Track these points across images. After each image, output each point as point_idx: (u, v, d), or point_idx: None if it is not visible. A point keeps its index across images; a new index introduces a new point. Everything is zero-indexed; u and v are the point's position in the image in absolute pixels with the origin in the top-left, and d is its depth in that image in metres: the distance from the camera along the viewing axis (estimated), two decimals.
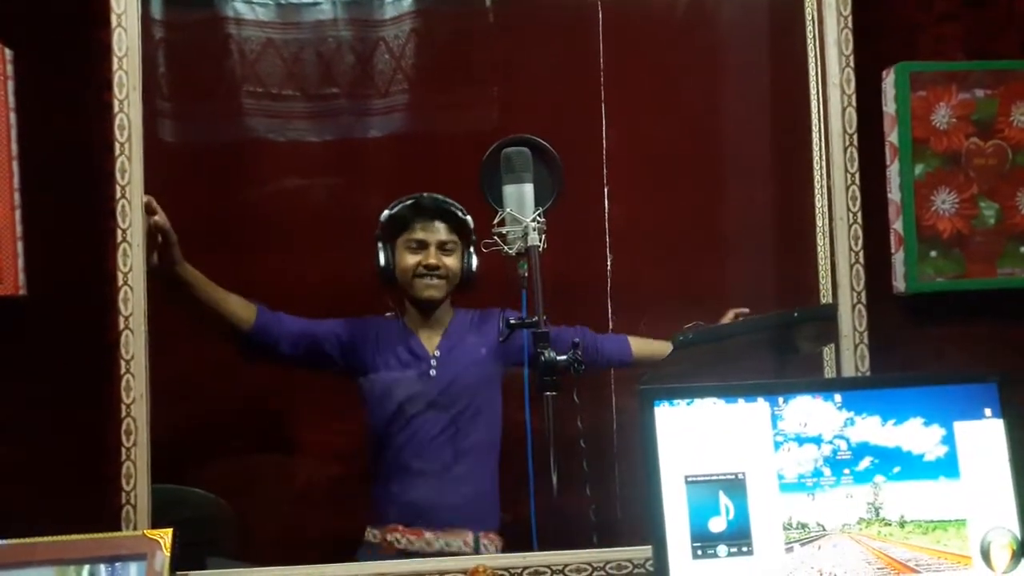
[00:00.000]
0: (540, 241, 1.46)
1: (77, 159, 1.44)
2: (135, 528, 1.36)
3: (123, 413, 1.39)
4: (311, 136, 1.88)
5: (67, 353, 1.42)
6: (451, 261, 1.66)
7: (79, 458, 1.41)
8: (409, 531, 1.59)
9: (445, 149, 1.86)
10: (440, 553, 1.56)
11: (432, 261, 1.64)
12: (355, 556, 1.61)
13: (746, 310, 1.68)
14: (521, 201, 1.48)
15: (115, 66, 1.43)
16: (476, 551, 1.59)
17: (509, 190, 1.49)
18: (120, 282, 1.41)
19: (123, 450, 1.39)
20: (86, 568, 1.28)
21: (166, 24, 1.70)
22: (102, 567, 1.28)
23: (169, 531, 1.31)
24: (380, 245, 1.67)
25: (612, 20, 1.80)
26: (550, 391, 1.40)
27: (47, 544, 1.29)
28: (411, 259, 1.66)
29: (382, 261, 1.67)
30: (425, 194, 1.69)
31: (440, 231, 1.66)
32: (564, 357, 1.40)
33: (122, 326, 1.41)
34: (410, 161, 1.89)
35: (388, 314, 1.72)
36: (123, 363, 1.40)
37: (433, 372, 1.64)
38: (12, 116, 1.39)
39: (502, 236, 1.48)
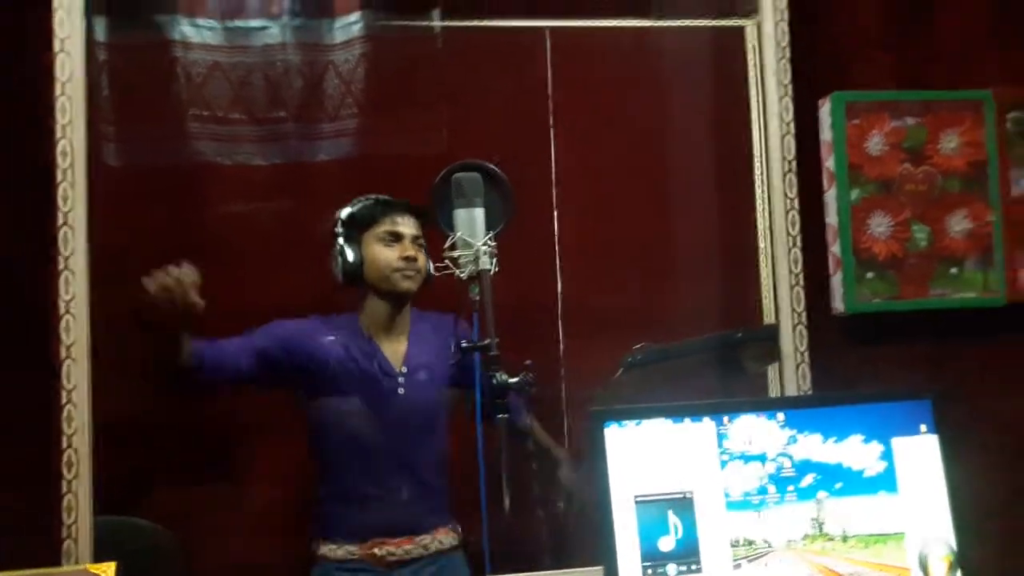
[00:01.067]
0: (491, 265, 1.48)
1: (18, 185, 1.41)
2: (77, 562, 1.33)
3: (64, 444, 1.36)
4: (259, 159, 1.87)
5: (6, 382, 1.39)
6: (421, 256, 1.67)
7: (18, 490, 1.37)
8: (396, 541, 1.60)
9: (395, 173, 1.87)
10: (434, 553, 1.61)
11: (411, 253, 1.64)
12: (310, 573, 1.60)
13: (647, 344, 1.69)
14: (472, 225, 1.48)
15: (58, 91, 1.41)
16: (460, 544, 1.64)
17: (460, 214, 1.50)
18: (62, 310, 1.38)
19: (64, 482, 1.35)
20: None
21: (110, 47, 1.68)
22: None
23: (112, 565, 1.28)
24: (342, 243, 1.65)
25: (560, 47, 1.83)
26: (502, 414, 1.41)
27: None
28: (388, 252, 1.65)
29: (351, 257, 1.64)
30: (383, 195, 1.70)
31: (411, 225, 1.67)
32: (516, 379, 1.41)
33: (64, 355, 1.38)
34: (359, 184, 1.88)
35: (339, 318, 1.69)
36: (65, 393, 1.37)
37: (401, 391, 1.64)
38: None
39: (454, 260, 1.49)
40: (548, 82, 1.84)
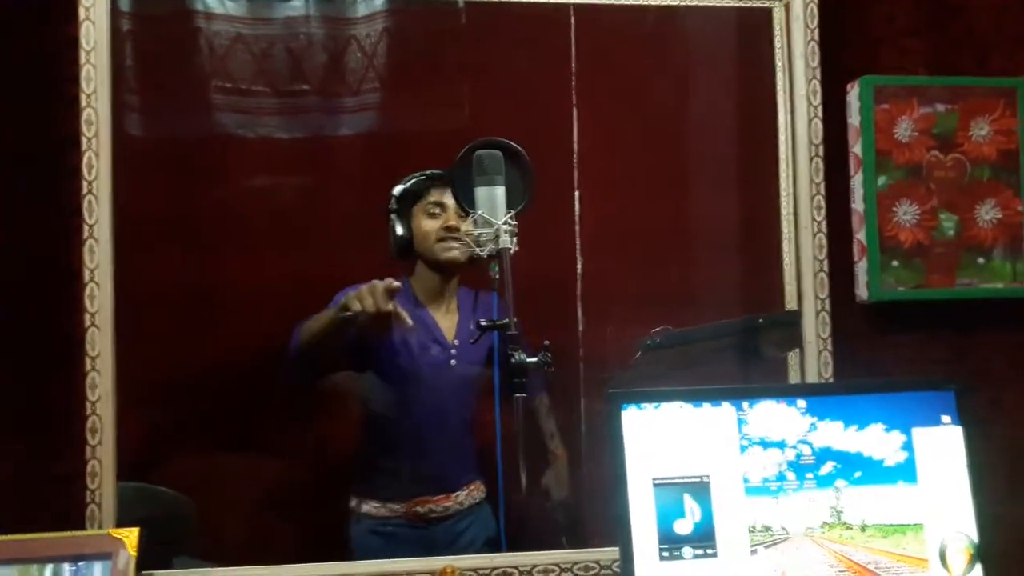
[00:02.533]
0: (511, 243, 1.47)
1: (44, 154, 1.41)
2: (100, 527, 1.35)
3: (88, 411, 1.37)
4: (280, 133, 1.87)
5: (32, 350, 1.40)
6: (467, 227, 1.67)
7: (44, 456, 1.38)
8: (436, 499, 1.66)
9: (416, 148, 1.86)
10: (466, 508, 1.68)
11: (453, 223, 1.67)
12: (349, 537, 1.65)
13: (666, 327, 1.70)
14: (493, 203, 1.48)
15: (83, 60, 1.41)
16: (487, 497, 1.70)
17: (481, 192, 1.49)
18: (86, 278, 1.39)
19: (88, 448, 1.37)
20: (49, 567, 1.27)
21: (134, 17, 1.67)
22: (66, 566, 1.27)
23: (135, 530, 1.30)
24: (394, 218, 1.70)
25: (584, 25, 1.81)
26: (520, 392, 1.41)
27: (10, 542, 1.28)
28: (432, 223, 1.69)
29: (399, 231, 1.69)
30: (436, 170, 1.72)
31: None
32: (534, 359, 1.41)
33: (88, 323, 1.38)
34: (380, 160, 1.88)
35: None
36: (89, 360, 1.38)
37: (453, 362, 1.69)
38: None
39: (474, 238, 1.49)
40: (572, 59, 1.82)
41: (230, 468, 1.71)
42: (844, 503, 1.32)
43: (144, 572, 1.32)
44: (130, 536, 1.29)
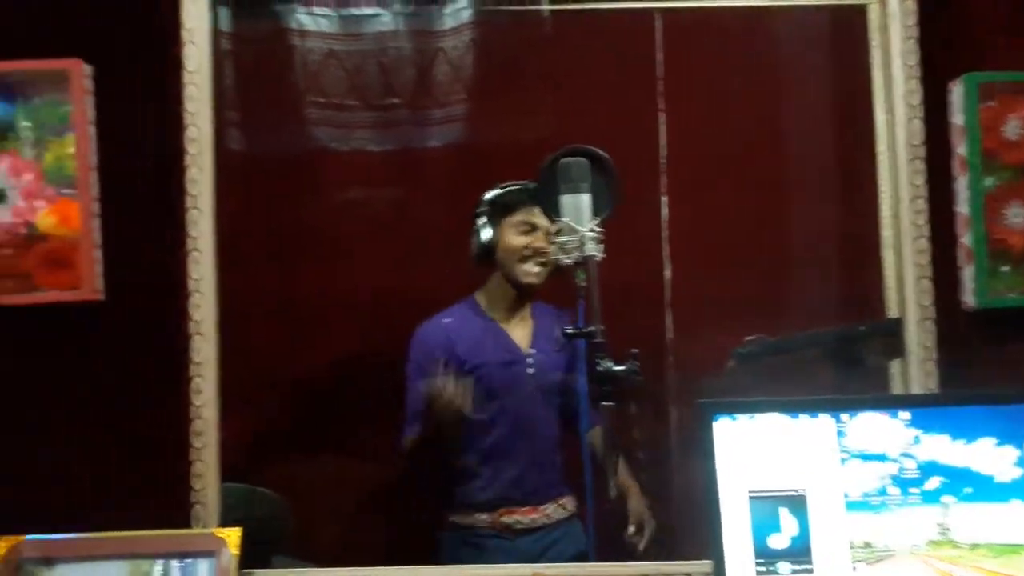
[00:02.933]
0: (597, 251, 1.47)
1: (151, 170, 1.48)
2: (204, 526, 1.40)
3: (193, 415, 1.43)
4: (371, 145, 1.92)
5: (141, 356, 1.46)
6: (553, 249, 1.68)
7: (152, 458, 1.44)
8: (523, 510, 1.66)
9: (502, 158, 1.88)
10: (554, 523, 1.67)
11: (541, 244, 1.67)
12: (439, 547, 1.67)
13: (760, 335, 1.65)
14: (578, 211, 1.48)
15: (186, 80, 1.46)
16: (576, 512, 1.70)
17: (566, 200, 1.49)
18: (191, 288, 1.45)
19: (193, 451, 1.42)
20: (159, 563, 1.33)
21: (233, 36, 1.74)
22: (174, 563, 1.32)
23: (237, 530, 1.34)
24: (483, 222, 1.70)
25: (670, 29, 1.80)
26: (607, 401, 1.40)
27: (123, 539, 1.34)
28: (520, 240, 1.69)
29: (485, 238, 1.69)
30: (532, 183, 1.70)
31: (547, 218, 1.67)
32: (622, 367, 1.40)
33: (192, 331, 1.44)
34: (467, 170, 1.91)
35: (457, 306, 1.73)
36: (193, 366, 1.44)
37: (531, 370, 1.70)
38: (92, 129, 1.44)
39: (560, 246, 1.49)
40: (658, 65, 1.81)
41: (326, 471, 1.76)
42: (952, 520, 1.26)
43: (245, 571, 1.36)
44: (232, 536, 1.33)
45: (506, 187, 1.73)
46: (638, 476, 1.67)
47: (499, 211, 1.71)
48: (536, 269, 1.69)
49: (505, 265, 1.70)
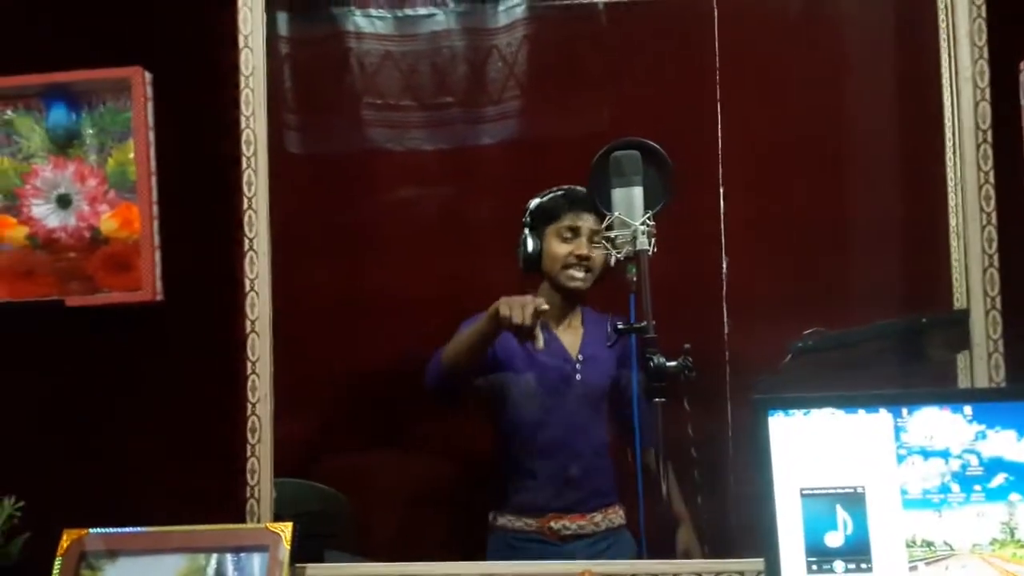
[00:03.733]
0: (649, 245, 1.45)
1: (209, 173, 1.53)
2: (259, 521, 1.43)
3: (249, 411, 1.47)
4: (426, 145, 1.93)
5: (199, 354, 1.51)
6: (597, 253, 1.67)
7: (209, 454, 1.49)
8: (571, 516, 1.65)
9: (556, 154, 1.87)
10: (604, 531, 1.65)
11: (584, 251, 1.67)
12: (487, 548, 1.67)
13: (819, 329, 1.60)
14: (630, 204, 1.46)
15: (242, 84, 1.50)
16: (625, 523, 1.67)
17: (618, 193, 1.48)
18: (247, 288, 1.49)
19: (248, 446, 1.46)
20: (214, 557, 1.37)
21: (291, 40, 1.78)
22: (228, 556, 1.36)
23: (289, 525, 1.37)
24: (527, 232, 1.70)
25: (728, 18, 1.75)
26: (659, 397, 1.38)
27: (179, 533, 1.39)
28: (563, 248, 1.68)
29: (530, 248, 1.69)
30: (575, 187, 1.70)
31: (591, 221, 1.67)
32: (674, 363, 1.38)
33: (248, 329, 1.48)
34: (521, 167, 1.90)
35: None
36: (249, 364, 1.47)
37: (579, 376, 1.68)
38: (151, 135, 1.49)
39: (611, 240, 1.47)
40: (715, 55, 1.77)
41: (380, 467, 1.79)
42: (1019, 519, 1.20)
43: (298, 565, 1.40)
44: (286, 530, 1.36)
45: (547, 194, 1.71)
46: (691, 478, 1.64)
47: (542, 219, 1.69)
48: (580, 275, 1.67)
49: (551, 272, 1.69)
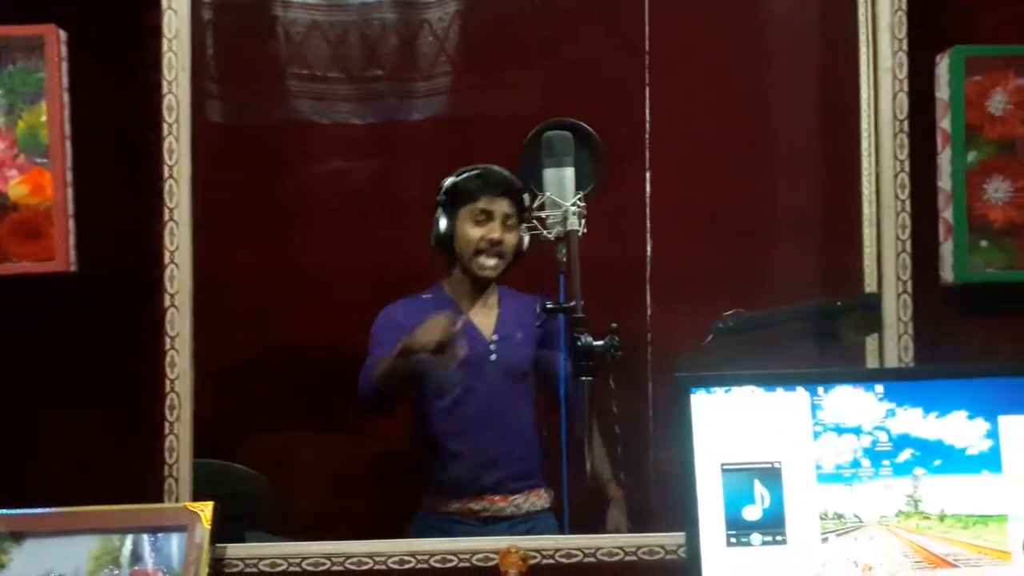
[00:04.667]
0: (580, 226, 1.46)
1: (127, 139, 1.47)
2: (177, 500, 1.39)
3: (167, 388, 1.43)
4: (355, 118, 1.90)
5: (114, 329, 1.46)
6: (511, 237, 1.67)
7: (124, 431, 1.44)
8: (491, 498, 1.64)
9: (487, 132, 1.86)
10: (524, 513, 1.65)
11: (496, 236, 1.65)
12: (410, 529, 1.66)
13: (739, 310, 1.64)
14: (561, 185, 1.48)
15: (165, 47, 1.45)
16: (550, 507, 1.67)
17: (549, 174, 1.49)
18: (167, 260, 1.44)
19: (167, 424, 1.42)
20: (129, 538, 1.33)
21: (213, 5, 1.72)
22: (144, 537, 1.32)
23: (210, 504, 1.34)
24: (441, 211, 1.68)
25: (658, 2, 1.77)
26: (586, 376, 1.40)
27: (92, 513, 1.34)
28: (476, 231, 1.66)
29: (443, 227, 1.67)
30: (492, 167, 1.69)
31: (504, 205, 1.67)
32: (601, 343, 1.40)
33: (168, 303, 1.44)
34: (452, 144, 1.89)
35: (426, 294, 1.73)
36: (168, 339, 1.43)
37: (493, 357, 1.68)
38: (66, 96, 1.43)
39: (541, 220, 1.48)
40: (645, 38, 1.79)
41: (304, 447, 1.76)
42: (922, 492, 1.27)
43: (218, 545, 1.37)
44: (205, 510, 1.33)
45: (462, 173, 1.69)
46: (615, 451, 1.67)
47: (456, 199, 1.68)
48: (491, 262, 1.66)
49: (462, 256, 1.68)
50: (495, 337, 1.68)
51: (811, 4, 1.76)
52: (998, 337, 1.54)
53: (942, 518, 1.26)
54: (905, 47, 1.53)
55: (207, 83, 1.71)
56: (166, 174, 1.45)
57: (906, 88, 1.53)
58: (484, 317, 1.70)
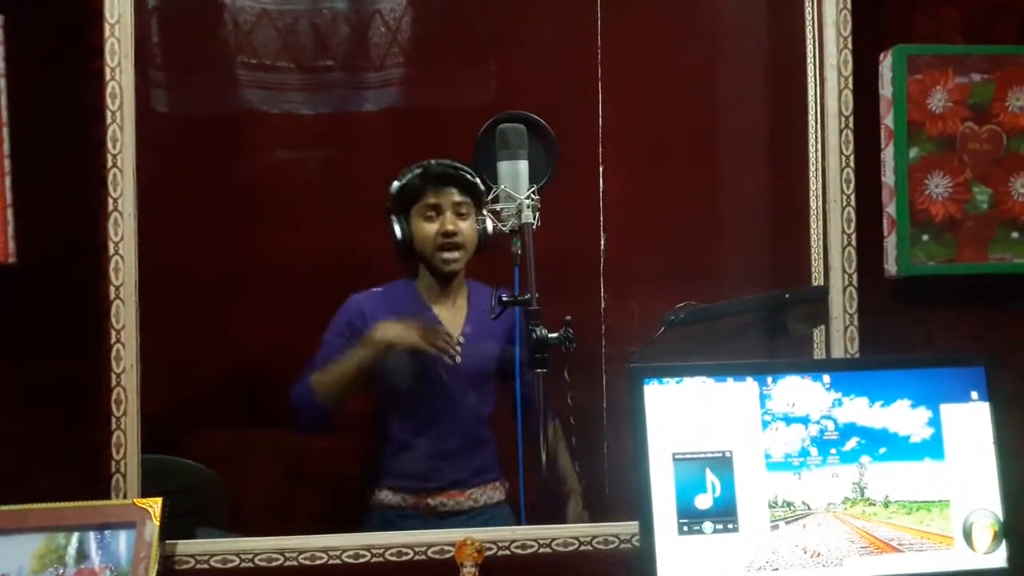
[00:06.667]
0: (534, 219, 1.46)
1: (68, 126, 1.43)
2: (125, 497, 1.36)
3: (113, 382, 1.39)
4: (305, 109, 1.87)
5: (58, 322, 1.42)
6: (466, 225, 1.67)
7: (70, 427, 1.40)
8: (448, 494, 1.64)
9: (440, 124, 1.85)
10: (480, 507, 1.66)
11: (449, 227, 1.65)
12: (362, 523, 1.65)
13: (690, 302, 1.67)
14: (515, 178, 1.47)
15: (107, 33, 1.41)
16: (505, 499, 1.69)
17: (504, 167, 1.48)
18: (111, 251, 1.40)
19: (113, 419, 1.39)
20: (75, 536, 1.29)
21: None
22: (91, 535, 1.29)
23: (159, 500, 1.32)
24: (394, 218, 1.67)
25: None
26: (541, 368, 1.40)
27: (37, 511, 1.30)
28: (430, 228, 1.66)
29: (399, 234, 1.66)
30: (432, 160, 1.68)
31: (453, 194, 1.66)
32: (555, 335, 1.41)
33: (113, 295, 1.40)
34: (404, 136, 1.88)
35: (393, 289, 1.72)
36: (114, 332, 1.40)
37: (459, 359, 1.67)
38: (2, 81, 1.37)
39: (496, 213, 1.48)
40: (598, 31, 1.80)
41: (254, 442, 1.73)
42: (868, 479, 1.30)
43: (168, 542, 1.34)
44: (154, 506, 1.31)
45: (404, 175, 1.68)
46: (571, 443, 1.68)
47: (404, 202, 1.67)
48: (454, 255, 1.66)
49: (424, 255, 1.67)
50: (462, 339, 1.68)
51: (760, 2, 1.79)
52: (938, 328, 1.59)
53: (887, 504, 1.30)
54: (850, 45, 1.56)
55: (152, 71, 1.67)
56: (109, 163, 1.41)
57: (851, 85, 1.56)
58: (453, 315, 1.70)
